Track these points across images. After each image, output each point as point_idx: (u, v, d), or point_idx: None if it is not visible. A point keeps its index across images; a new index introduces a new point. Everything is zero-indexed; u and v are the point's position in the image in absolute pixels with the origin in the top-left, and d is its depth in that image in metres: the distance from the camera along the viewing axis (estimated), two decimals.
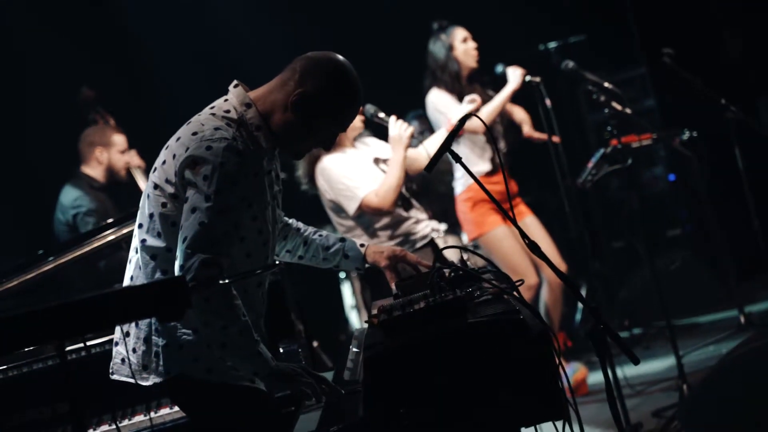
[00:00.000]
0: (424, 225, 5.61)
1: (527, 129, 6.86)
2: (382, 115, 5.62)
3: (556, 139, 6.33)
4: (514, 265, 6.76)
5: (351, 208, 5.43)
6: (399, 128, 5.45)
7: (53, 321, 2.32)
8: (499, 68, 6.78)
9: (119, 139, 6.80)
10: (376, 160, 5.62)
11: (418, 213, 5.62)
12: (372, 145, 5.74)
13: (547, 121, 6.14)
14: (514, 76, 6.62)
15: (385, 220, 5.48)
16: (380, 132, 5.64)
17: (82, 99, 6.87)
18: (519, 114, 6.92)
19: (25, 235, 7.05)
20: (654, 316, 7.67)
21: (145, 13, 8.05)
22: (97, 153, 6.77)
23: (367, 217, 5.49)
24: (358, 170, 5.49)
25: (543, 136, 6.54)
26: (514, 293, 3.20)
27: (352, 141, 5.68)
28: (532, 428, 3.12)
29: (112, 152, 6.77)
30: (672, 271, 8.33)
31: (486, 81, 6.80)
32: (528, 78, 6.50)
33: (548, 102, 6.25)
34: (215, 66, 7.53)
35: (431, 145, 5.78)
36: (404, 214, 5.55)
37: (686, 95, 7.60)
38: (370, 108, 5.66)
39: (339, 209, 5.52)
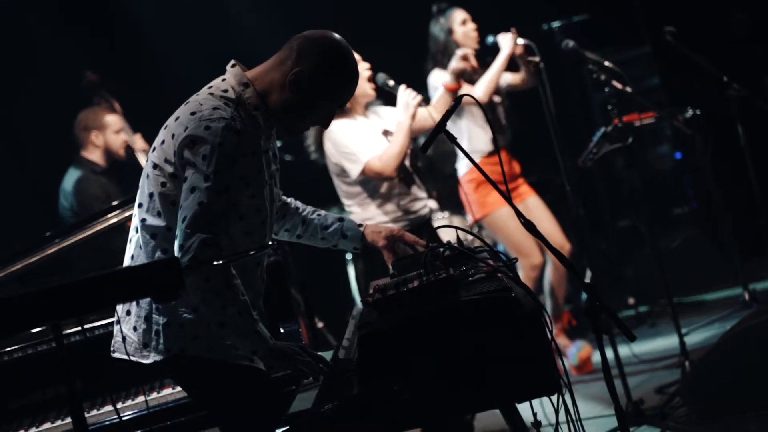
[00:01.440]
0: (421, 204, 5.61)
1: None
2: (391, 83, 5.65)
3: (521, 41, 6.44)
4: (519, 245, 6.79)
5: (354, 171, 5.43)
6: (407, 96, 5.46)
7: (48, 303, 2.34)
8: (490, 39, 6.79)
9: (112, 120, 6.80)
10: (386, 132, 5.62)
11: (417, 191, 5.62)
12: (384, 116, 5.74)
13: (543, 89, 6.10)
14: (505, 42, 6.63)
15: (384, 191, 5.48)
16: (393, 102, 5.66)
17: (86, 83, 6.89)
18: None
19: (31, 222, 7.08)
20: (659, 294, 7.68)
21: None
22: (92, 137, 6.78)
23: (369, 184, 5.50)
24: (365, 137, 5.49)
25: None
26: (508, 272, 3.22)
27: (364, 109, 5.68)
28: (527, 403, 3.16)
29: (107, 134, 6.78)
30: (674, 249, 8.35)
31: (488, 62, 6.80)
32: (520, 40, 6.51)
33: (541, 63, 6.25)
34: (218, 48, 7.52)
35: (435, 108, 5.76)
36: (404, 188, 5.55)
37: (690, 73, 7.60)
38: (381, 76, 5.69)
39: (343, 172, 5.52)
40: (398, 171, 5.44)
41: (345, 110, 5.51)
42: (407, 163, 5.59)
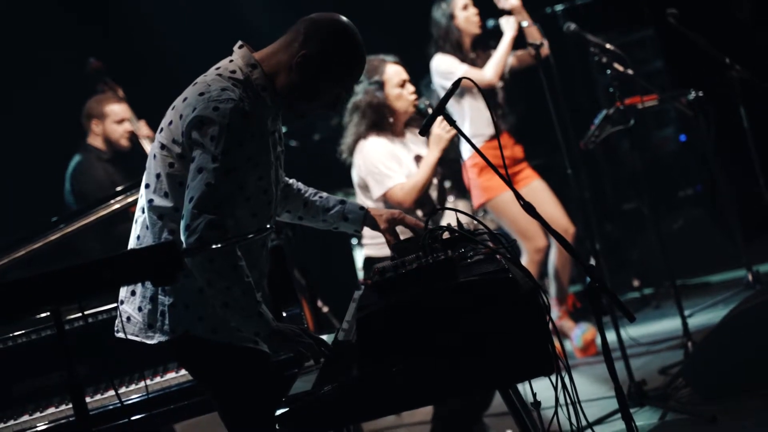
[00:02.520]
0: None
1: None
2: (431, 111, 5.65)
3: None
4: (523, 229, 6.78)
5: (376, 192, 5.43)
6: (442, 128, 5.37)
7: (46, 288, 2.36)
8: (491, 23, 6.79)
9: (115, 109, 6.80)
10: (417, 158, 5.59)
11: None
12: (423, 144, 5.72)
13: (541, 65, 6.08)
14: (508, 24, 6.63)
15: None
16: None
17: (89, 70, 6.89)
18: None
19: (39, 209, 7.09)
20: (664, 276, 7.69)
21: None
22: (93, 125, 6.79)
23: (389, 205, 5.49)
24: (397, 161, 5.47)
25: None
26: (507, 254, 3.23)
27: (403, 129, 5.66)
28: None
29: (107, 123, 6.78)
30: (678, 231, 8.36)
31: (491, 45, 6.81)
32: (525, 23, 6.50)
33: (546, 42, 6.25)
34: (222, 30, 7.52)
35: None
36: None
37: (693, 56, 7.58)
38: (423, 101, 5.69)
39: (366, 188, 5.52)
40: (419, 203, 5.42)
41: (385, 126, 5.52)
42: (434, 196, 5.57)
